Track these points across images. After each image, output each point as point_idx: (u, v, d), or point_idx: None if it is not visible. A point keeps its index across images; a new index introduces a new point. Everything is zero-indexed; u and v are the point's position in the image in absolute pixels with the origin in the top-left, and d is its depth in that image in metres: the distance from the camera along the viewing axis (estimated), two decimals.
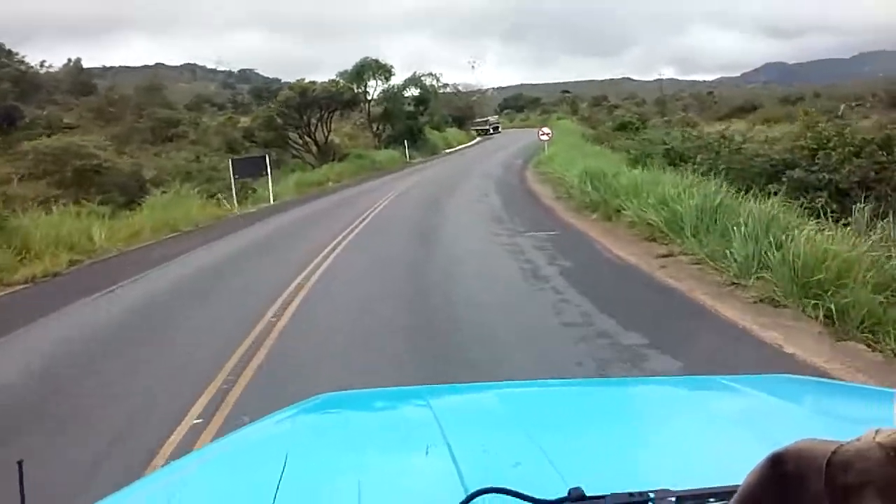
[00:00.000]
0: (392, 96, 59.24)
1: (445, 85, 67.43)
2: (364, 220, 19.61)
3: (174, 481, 1.65)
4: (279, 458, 1.51)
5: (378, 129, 59.35)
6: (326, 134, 45.29)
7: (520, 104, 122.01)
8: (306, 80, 42.72)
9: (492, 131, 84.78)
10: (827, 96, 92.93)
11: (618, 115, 65.57)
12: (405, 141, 55.15)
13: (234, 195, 28.97)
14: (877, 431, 0.53)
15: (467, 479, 1.29)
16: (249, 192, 31.39)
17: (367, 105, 58.55)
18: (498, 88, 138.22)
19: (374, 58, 57.44)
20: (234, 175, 29.10)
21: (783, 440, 0.57)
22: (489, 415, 1.96)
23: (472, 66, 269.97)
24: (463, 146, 69.95)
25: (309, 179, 35.95)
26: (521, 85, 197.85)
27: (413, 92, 60.98)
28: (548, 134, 37.32)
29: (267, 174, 29.60)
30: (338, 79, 44.20)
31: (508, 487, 1.02)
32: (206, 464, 1.79)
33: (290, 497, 1.34)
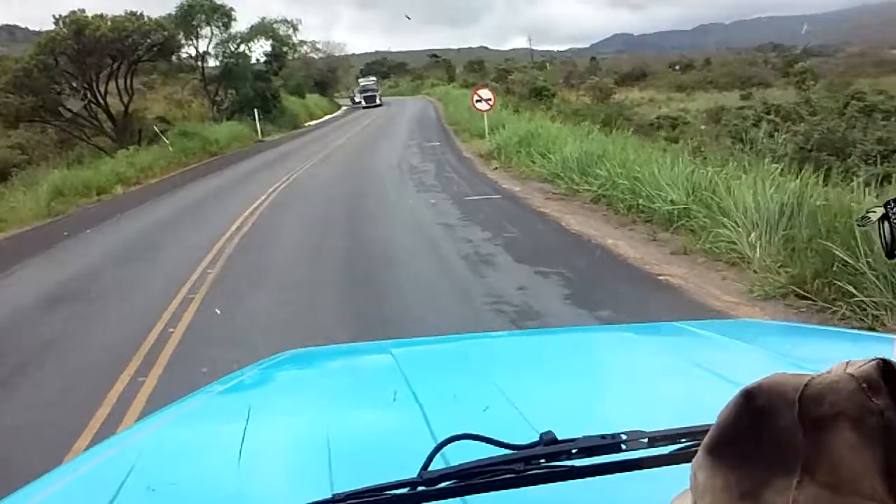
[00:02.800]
0: (234, 52, 42.19)
1: (303, 42, 50.27)
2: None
3: (138, 442, 1.51)
4: (243, 415, 1.46)
5: (216, 94, 42.17)
6: (127, 101, 27.85)
7: (383, 70, 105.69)
8: (85, 13, 25.05)
9: (364, 103, 59.21)
10: (718, 63, 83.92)
11: (516, 80, 51.93)
12: (255, 110, 38.41)
13: None
14: (847, 363, 0.53)
15: (436, 428, 1.24)
16: None
17: (199, 61, 41.28)
18: (352, 55, 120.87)
19: None
20: None
21: (750, 381, 0.55)
22: (455, 366, 1.89)
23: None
24: (331, 116, 53.63)
25: (80, 182, 19.12)
26: (377, 52, 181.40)
27: (263, 46, 43.99)
28: (489, 101, 22.16)
29: None
30: (140, 12, 26.64)
31: (479, 433, 0.97)
32: (169, 424, 1.62)
33: (257, 453, 1.29)
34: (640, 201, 10.15)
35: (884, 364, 0.52)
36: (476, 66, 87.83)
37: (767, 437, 0.52)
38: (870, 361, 0.52)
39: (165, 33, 27.74)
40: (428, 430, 1.25)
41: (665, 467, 0.95)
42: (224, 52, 41.90)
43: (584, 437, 0.98)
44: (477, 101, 22.12)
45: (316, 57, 62.88)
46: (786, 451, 0.51)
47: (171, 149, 25.74)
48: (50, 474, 1.37)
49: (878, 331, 5.48)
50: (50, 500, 1.26)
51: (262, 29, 43.06)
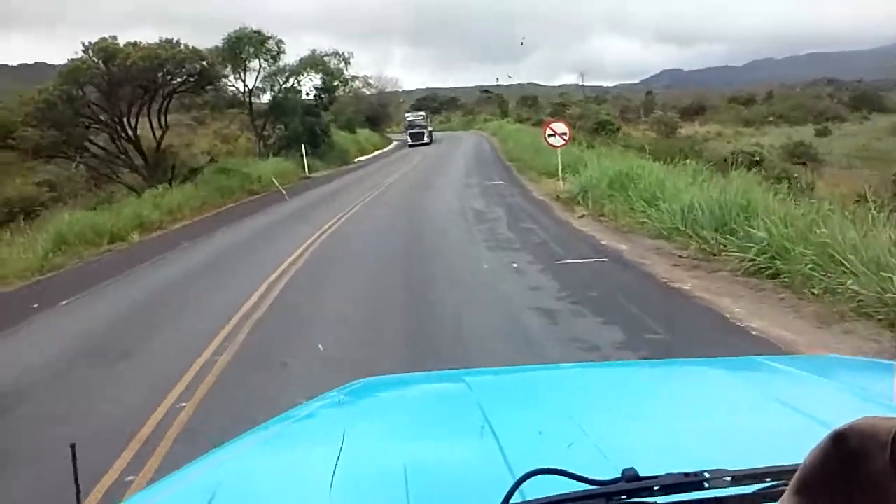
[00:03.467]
0: (283, 85, 39.68)
1: (355, 77, 47.56)
2: None
3: (218, 468, 1.48)
4: (318, 443, 1.48)
5: (265, 129, 39.59)
6: (160, 135, 24.99)
7: (434, 105, 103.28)
8: (116, 40, 22.32)
9: (410, 140, 51.22)
10: (781, 97, 79.49)
11: (575, 114, 48.72)
12: (303, 145, 35.62)
13: None
14: None
15: (515, 461, 1.20)
16: None
17: (247, 94, 38.83)
18: (404, 91, 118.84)
19: (253, 28, 37.79)
20: None
21: (833, 420, 0.55)
22: (531, 397, 1.82)
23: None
24: (381, 152, 50.77)
25: (90, 226, 16.13)
26: (427, 88, 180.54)
27: (313, 79, 41.31)
28: (564, 136, 18.67)
29: None
30: (175, 40, 23.64)
31: (561, 468, 0.94)
32: (248, 450, 1.58)
33: (334, 481, 1.25)
34: (849, 283, 6.52)
35: None
36: (529, 101, 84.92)
37: (858, 480, 0.50)
38: None
39: (203, 63, 24.82)
40: (505, 463, 1.21)
41: None
42: (272, 85, 39.52)
43: (667, 474, 0.95)
44: (550, 135, 18.68)
45: (368, 92, 60.57)
46: (877, 494, 0.48)
47: (207, 187, 22.86)
48: (135, 497, 1.36)
49: None
50: None
51: (313, 62, 40.53)
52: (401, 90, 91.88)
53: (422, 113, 59.51)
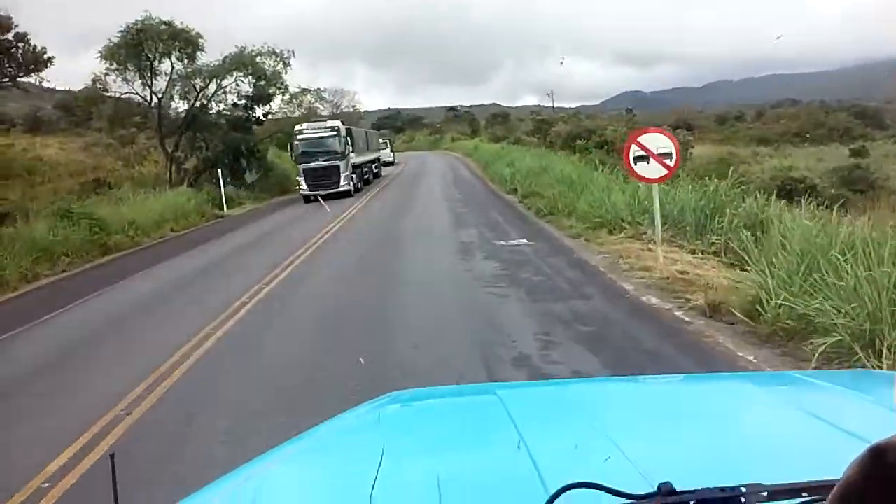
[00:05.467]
0: (203, 89, 29.61)
1: (306, 90, 37.12)
2: None
3: (252, 479, 1.44)
4: (351, 457, 1.44)
5: (177, 149, 29.46)
6: None
7: (398, 124, 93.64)
8: None
9: (304, 186, 25.84)
10: (773, 115, 71.96)
11: (562, 132, 39.70)
12: (220, 172, 25.50)
13: None
14: None
15: (549, 476, 1.16)
16: None
17: (154, 104, 28.72)
18: (366, 112, 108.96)
19: (163, 19, 27.77)
20: None
21: (869, 435, 0.54)
22: (562, 411, 1.73)
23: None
24: None
25: None
26: (389, 109, 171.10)
27: (241, 83, 31.04)
28: (665, 160, 9.17)
29: None
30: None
31: (596, 482, 0.92)
32: (281, 462, 1.53)
33: (382, 493, 1.21)
34: None
35: None
36: (500, 119, 75.80)
37: None
38: None
39: (10, 35, 14.57)
40: (538, 477, 1.16)
41: None
42: (187, 91, 29.40)
43: (703, 488, 0.92)
44: (638, 157, 9.06)
45: (322, 108, 50.53)
46: None
47: (35, 245, 12.87)
48: None
49: None
50: None
51: (240, 61, 30.21)
52: (360, 106, 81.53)
53: (334, 123, 28.36)
